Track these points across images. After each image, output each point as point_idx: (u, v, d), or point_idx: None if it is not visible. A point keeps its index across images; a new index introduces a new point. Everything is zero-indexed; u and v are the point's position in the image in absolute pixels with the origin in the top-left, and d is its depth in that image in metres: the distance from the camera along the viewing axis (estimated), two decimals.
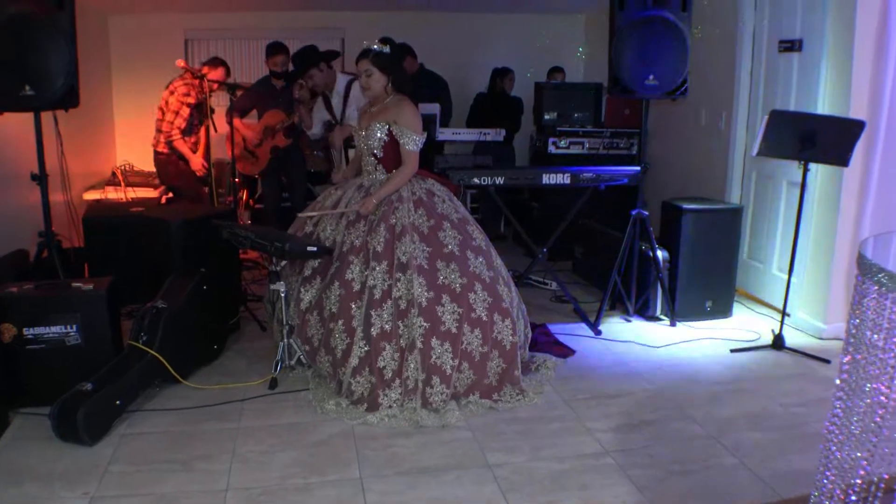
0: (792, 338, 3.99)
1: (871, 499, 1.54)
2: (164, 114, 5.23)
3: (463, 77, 7.19)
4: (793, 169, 4.19)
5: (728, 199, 4.94)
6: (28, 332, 3.03)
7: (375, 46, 3.42)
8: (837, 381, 1.68)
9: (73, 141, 4.49)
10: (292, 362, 3.44)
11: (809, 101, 4.17)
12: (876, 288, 1.53)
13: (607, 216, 5.10)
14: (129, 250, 4.21)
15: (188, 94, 5.19)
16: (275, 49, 5.53)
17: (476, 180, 4.20)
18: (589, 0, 7.07)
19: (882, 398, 1.51)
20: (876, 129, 3.77)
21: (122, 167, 6.41)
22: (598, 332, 4.17)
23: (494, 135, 6.03)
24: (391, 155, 3.45)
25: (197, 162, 5.37)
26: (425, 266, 3.20)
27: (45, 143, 3.69)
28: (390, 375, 3.09)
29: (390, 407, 3.05)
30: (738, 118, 4.90)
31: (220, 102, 5.49)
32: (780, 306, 3.98)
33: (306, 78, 5.06)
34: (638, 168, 4.31)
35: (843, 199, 3.93)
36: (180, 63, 5.26)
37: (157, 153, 5.35)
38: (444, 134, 5.93)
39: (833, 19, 3.93)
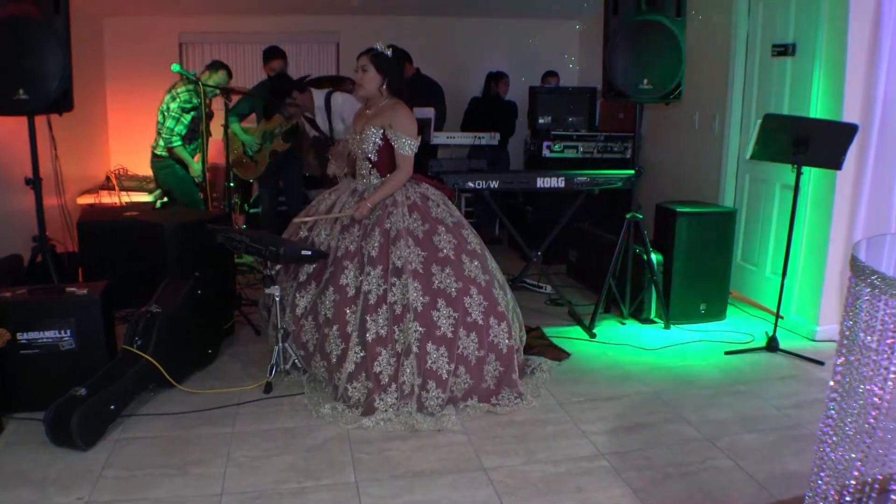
0: (786, 340, 4.02)
1: (865, 499, 1.55)
2: (164, 118, 5.14)
3: (458, 81, 7.20)
4: (786, 172, 4.21)
5: (722, 202, 4.96)
6: (22, 336, 3.02)
7: (378, 46, 3.44)
8: (831, 383, 1.69)
9: (67, 145, 4.47)
10: (287, 366, 3.43)
11: (803, 105, 4.19)
12: (869, 290, 1.54)
13: (601, 220, 5.12)
14: (123, 255, 4.18)
15: (189, 101, 5.10)
16: (272, 53, 5.53)
17: (471, 184, 4.21)
18: (583, 5, 7.09)
19: (876, 399, 1.52)
20: (869, 132, 3.80)
21: (117, 171, 6.40)
22: (593, 335, 4.18)
23: (489, 139, 6.06)
24: (386, 159, 3.44)
25: (197, 168, 5.33)
26: (420, 270, 3.20)
27: (38, 146, 3.67)
28: (387, 380, 3.09)
29: (386, 411, 3.04)
30: (731, 122, 4.92)
31: (218, 107, 5.46)
32: (774, 308, 4.00)
33: (283, 108, 5.17)
34: (632, 171, 4.33)
35: (837, 202, 3.95)
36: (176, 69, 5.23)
37: (154, 156, 5.28)
38: (438, 138, 5.94)
39: (826, 24, 3.96)
